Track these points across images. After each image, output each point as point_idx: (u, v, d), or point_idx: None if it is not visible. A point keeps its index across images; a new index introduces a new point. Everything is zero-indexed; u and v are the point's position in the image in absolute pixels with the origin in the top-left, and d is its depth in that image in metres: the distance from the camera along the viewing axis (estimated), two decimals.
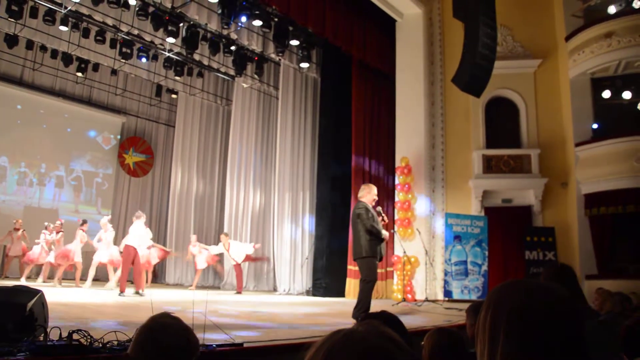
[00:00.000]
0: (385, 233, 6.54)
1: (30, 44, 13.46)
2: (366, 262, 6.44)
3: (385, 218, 7.00)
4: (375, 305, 6.32)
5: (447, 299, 10.67)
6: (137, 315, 6.02)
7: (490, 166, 11.76)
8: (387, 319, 2.18)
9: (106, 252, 11.51)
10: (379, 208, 7.02)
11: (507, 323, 1.10)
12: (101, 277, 13.13)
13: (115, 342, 3.37)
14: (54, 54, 13.78)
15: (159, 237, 17.12)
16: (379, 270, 12.22)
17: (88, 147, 16.44)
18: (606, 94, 11.40)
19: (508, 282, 1.19)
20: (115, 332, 3.49)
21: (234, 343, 3.97)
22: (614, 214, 10.68)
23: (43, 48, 13.69)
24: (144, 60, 13.92)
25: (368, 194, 6.63)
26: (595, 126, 11.40)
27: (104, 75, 15.77)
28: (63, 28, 12.27)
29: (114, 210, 16.65)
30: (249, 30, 12.60)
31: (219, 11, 11.56)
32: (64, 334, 3.31)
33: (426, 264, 11.26)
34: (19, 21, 11.61)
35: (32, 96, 14.92)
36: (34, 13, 11.65)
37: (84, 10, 11.63)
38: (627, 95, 11.23)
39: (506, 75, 11.82)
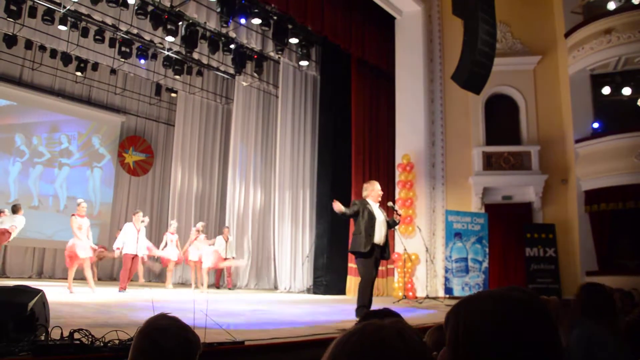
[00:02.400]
0: (379, 213, 6.54)
1: (29, 44, 13.41)
2: (357, 258, 6.51)
3: (400, 211, 7.01)
4: (377, 303, 6.31)
5: (447, 296, 10.67)
6: (139, 315, 6.03)
7: (490, 163, 11.76)
8: (390, 317, 2.16)
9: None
10: (390, 203, 7.13)
11: (481, 344, 1.00)
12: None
13: (117, 341, 3.34)
14: (53, 53, 13.74)
15: (159, 236, 17.09)
16: (380, 268, 12.27)
17: (87, 146, 16.41)
18: (606, 90, 11.41)
19: (474, 297, 1.10)
20: (116, 331, 3.45)
21: (235, 341, 3.95)
22: (614, 210, 10.70)
23: (42, 48, 13.64)
24: (142, 62, 13.94)
25: (372, 192, 6.64)
26: (595, 123, 11.39)
27: (103, 75, 15.71)
28: (62, 27, 12.22)
29: (113, 209, 16.63)
30: (248, 29, 12.58)
31: (218, 10, 11.55)
32: (65, 333, 3.29)
33: (427, 261, 11.27)
34: (18, 21, 11.57)
35: (31, 96, 14.89)
36: (32, 13, 11.62)
37: (83, 10, 11.62)
38: (627, 91, 11.24)
39: (505, 72, 11.81)
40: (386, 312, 2.20)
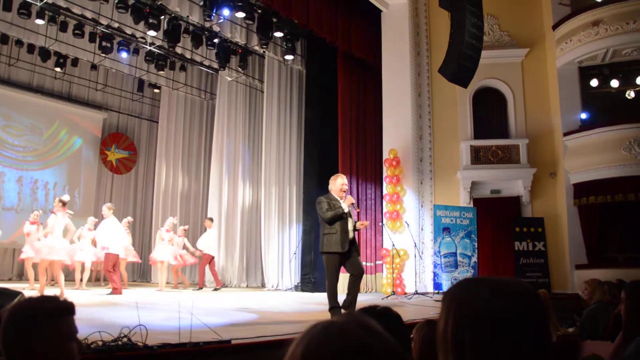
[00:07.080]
0: (344, 206, 6.31)
1: (5, 38, 13.04)
2: (324, 258, 6.39)
3: (356, 206, 6.82)
4: (366, 299, 6.21)
5: (437, 291, 10.61)
6: (123, 315, 5.84)
7: (479, 157, 11.70)
8: (385, 314, 2.07)
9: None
10: (352, 200, 6.52)
11: (472, 330, 0.99)
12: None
13: (100, 343, 3.29)
14: (31, 48, 13.40)
15: (144, 235, 16.85)
16: (368, 264, 12.17)
17: (68, 144, 16.07)
18: (594, 82, 11.39)
19: (465, 283, 1.08)
20: (99, 332, 3.40)
21: (221, 340, 3.95)
22: (603, 203, 10.69)
23: (19, 42, 13.28)
24: (124, 54, 13.64)
25: (334, 185, 6.53)
26: (583, 115, 11.38)
27: (84, 70, 15.40)
28: (39, 21, 11.89)
29: (96, 208, 16.28)
30: (232, 23, 12.36)
31: (201, 3, 11.32)
32: None
33: (415, 257, 11.19)
34: None
35: (8, 92, 14.51)
36: (7, 6, 11.24)
37: (61, 3, 11.27)
38: (614, 83, 11.24)
39: (493, 65, 11.77)
40: (382, 311, 2.09)
